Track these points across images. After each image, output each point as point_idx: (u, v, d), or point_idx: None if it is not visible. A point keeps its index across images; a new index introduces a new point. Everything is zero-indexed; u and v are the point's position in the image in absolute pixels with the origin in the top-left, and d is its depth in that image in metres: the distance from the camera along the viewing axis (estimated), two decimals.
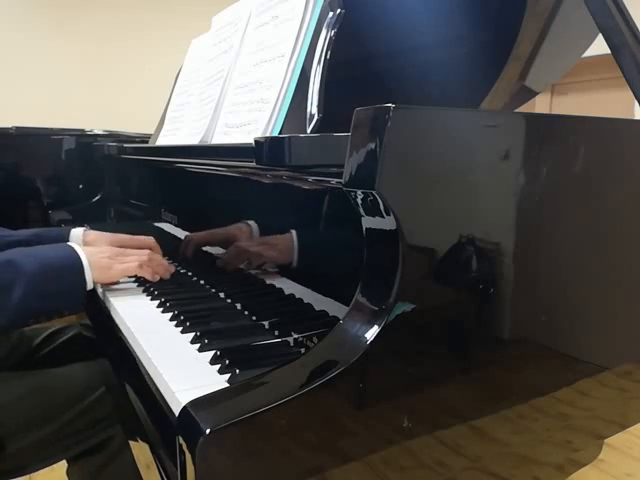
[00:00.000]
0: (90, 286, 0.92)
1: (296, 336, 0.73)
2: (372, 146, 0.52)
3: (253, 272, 0.92)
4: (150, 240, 1.13)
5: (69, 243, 0.95)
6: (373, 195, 0.53)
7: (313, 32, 0.88)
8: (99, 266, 0.93)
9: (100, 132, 2.11)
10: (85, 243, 1.13)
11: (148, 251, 1.03)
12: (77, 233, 1.14)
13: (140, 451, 0.72)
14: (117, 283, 1.03)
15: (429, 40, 1.21)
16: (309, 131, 0.80)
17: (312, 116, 0.80)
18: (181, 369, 0.66)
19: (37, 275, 0.85)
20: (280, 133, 0.85)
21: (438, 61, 1.24)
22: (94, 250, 0.96)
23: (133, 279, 1.08)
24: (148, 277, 1.01)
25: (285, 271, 0.84)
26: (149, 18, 4.79)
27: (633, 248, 0.79)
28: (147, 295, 0.97)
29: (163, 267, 1.03)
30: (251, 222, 0.91)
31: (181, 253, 1.16)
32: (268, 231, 0.89)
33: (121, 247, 1.08)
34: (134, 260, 0.99)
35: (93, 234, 1.15)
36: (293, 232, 0.81)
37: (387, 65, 1.21)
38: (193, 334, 0.75)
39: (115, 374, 0.84)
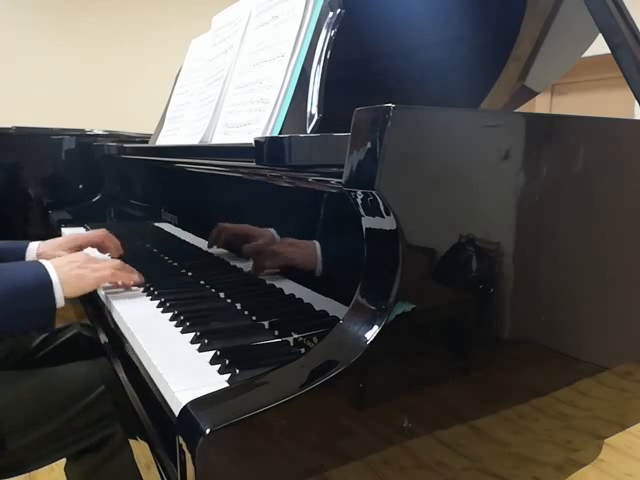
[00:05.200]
0: (61, 304, 0.88)
1: (296, 336, 0.73)
2: (372, 146, 0.52)
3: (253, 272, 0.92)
4: (102, 232, 1.17)
5: (40, 261, 0.92)
6: (373, 195, 0.53)
7: (313, 32, 0.88)
8: (70, 280, 0.89)
9: (100, 132, 2.11)
10: (39, 255, 1.12)
11: (118, 260, 1.03)
12: (33, 247, 1.13)
13: (140, 451, 0.72)
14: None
15: (429, 40, 1.21)
16: (309, 131, 0.80)
17: (312, 116, 0.80)
18: (181, 369, 0.66)
19: (5, 297, 0.83)
20: (280, 133, 0.85)
21: (438, 61, 1.24)
22: (63, 263, 0.92)
23: None
24: (125, 280, 0.99)
25: (285, 271, 0.84)
26: (149, 18, 4.79)
27: (633, 248, 0.79)
28: (147, 295, 0.97)
29: (136, 274, 1.01)
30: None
31: (212, 239, 1.07)
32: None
33: (77, 247, 1.11)
34: (107, 267, 0.96)
35: (45, 245, 1.15)
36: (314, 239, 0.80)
37: (387, 65, 1.21)
38: (193, 334, 0.75)
39: (115, 374, 0.84)
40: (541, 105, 4.12)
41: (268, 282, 0.87)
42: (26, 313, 0.86)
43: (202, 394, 0.53)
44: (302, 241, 0.81)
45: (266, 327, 0.78)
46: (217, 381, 0.62)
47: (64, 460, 1.13)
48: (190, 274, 1.10)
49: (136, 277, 1.01)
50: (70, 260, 0.95)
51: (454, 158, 0.58)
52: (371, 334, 0.54)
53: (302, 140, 0.68)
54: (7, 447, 0.88)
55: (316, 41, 0.86)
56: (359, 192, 0.55)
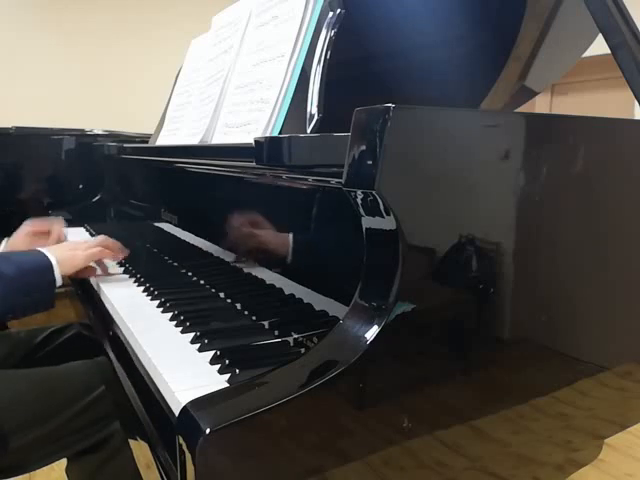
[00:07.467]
0: (59, 282, 1.00)
1: (296, 336, 0.73)
2: (372, 146, 0.52)
3: (253, 272, 0.92)
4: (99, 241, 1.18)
5: (38, 248, 1.04)
6: (373, 195, 0.53)
7: (313, 32, 0.88)
8: (65, 261, 1.02)
9: (100, 132, 2.11)
10: (11, 244, 1.24)
11: (102, 236, 1.14)
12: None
13: (140, 451, 0.72)
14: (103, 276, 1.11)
15: (429, 40, 1.21)
16: (309, 131, 0.80)
17: (312, 116, 0.80)
18: (181, 369, 0.66)
19: (15, 275, 0.94)
20: (280, 133, 0.85)
21: (438, 61, 1.24)
22: (57, 247, 1.07)
23: (133, 279, 1.08)
24: (111, 257, 1.12)
25: (285, 271, 0.84)
26: (149, 18, 4.78)
27: (633, 248, 0.79)
28: (147, 295, 0.98)
29: (117, 244, 1.14)
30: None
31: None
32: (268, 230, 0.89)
33: (40, 231, 1.25)
34: (93, 245, 1.09)
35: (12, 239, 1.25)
36: (290, 234, 0.81)
37: (387, 65, 1.21)
38: (193, 334, 0.75)
39: (115, 374, 0.84)
40: (541, 105, 4.12)
41: (268, 282, 0.87)
42: (32, 290, 0.97)
43: (202, 394, 0.53)
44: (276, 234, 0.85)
45: (266, 327, 0.78)
46: (217, 381, 0.62)
47: (64, 460, 1.13)
48: (190, 274, 1.10)
49: (120, 254, 1.14)
50: (63, 245, 1.12)
51: (454, 158, 0.58)
52: (371, 334, 0.54)
53: (302, 140, 0.68)
54: (7, 447, 0.88)
55: (316, 41, 0.86)
56: (359, 192, 0.55)
